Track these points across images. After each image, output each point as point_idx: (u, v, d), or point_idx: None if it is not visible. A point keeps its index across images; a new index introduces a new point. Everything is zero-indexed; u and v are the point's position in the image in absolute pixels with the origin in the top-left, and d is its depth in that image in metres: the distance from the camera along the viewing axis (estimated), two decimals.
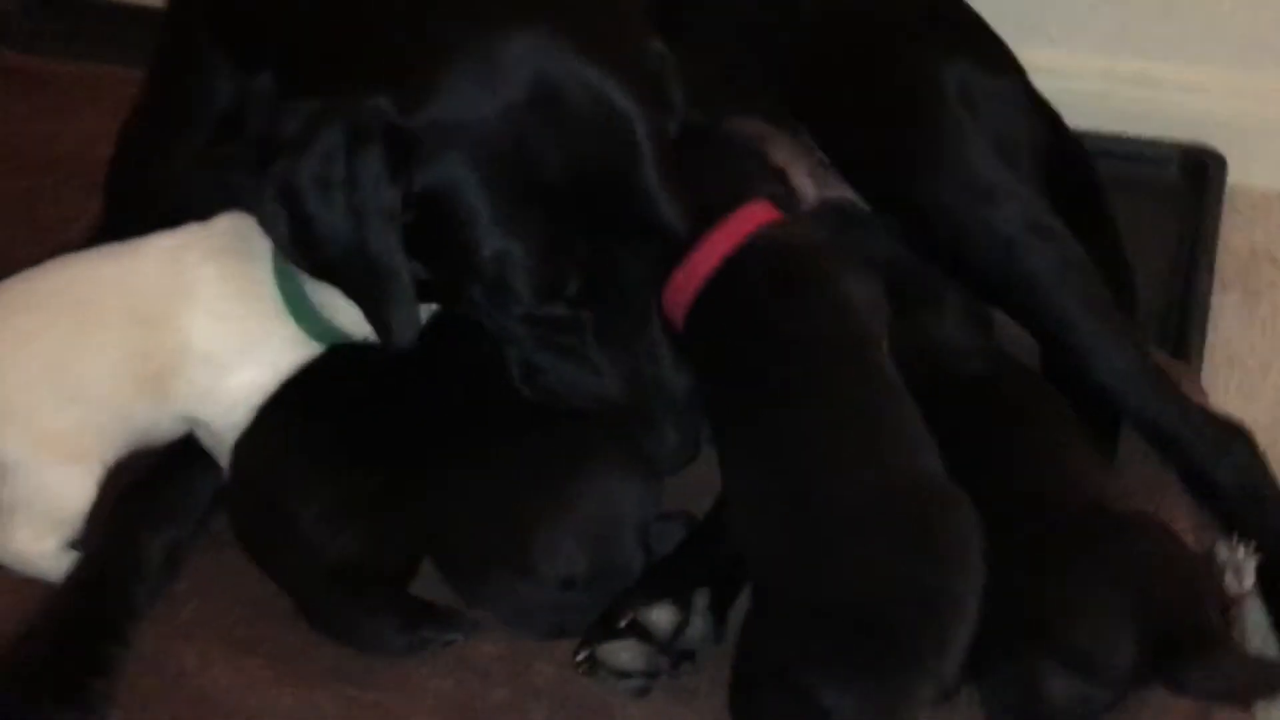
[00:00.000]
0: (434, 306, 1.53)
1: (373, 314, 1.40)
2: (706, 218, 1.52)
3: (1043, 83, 1.90)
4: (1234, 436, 1.60)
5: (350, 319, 1.50)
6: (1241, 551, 1.42)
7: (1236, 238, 2.11)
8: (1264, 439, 1.76)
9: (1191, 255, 2.00)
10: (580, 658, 1.43)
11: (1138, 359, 1.60)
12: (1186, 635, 1.32)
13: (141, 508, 1.54)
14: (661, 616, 1.43)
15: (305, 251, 1.40)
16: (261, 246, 1.51)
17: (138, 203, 1.69)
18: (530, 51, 1.32)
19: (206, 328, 1.52)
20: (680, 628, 1.43)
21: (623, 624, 1.43)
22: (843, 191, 1.71)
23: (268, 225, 1.40)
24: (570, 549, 1.43)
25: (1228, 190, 2.13)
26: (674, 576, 1.48)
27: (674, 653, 1.44)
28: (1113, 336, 1.59)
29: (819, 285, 1.53)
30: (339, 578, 1.44)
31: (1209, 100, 2.19)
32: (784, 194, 1.65)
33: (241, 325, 1.53)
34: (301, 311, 1.53)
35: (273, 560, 1.48)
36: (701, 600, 1.45)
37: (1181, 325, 1.89)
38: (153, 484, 1.56)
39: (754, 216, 1.56)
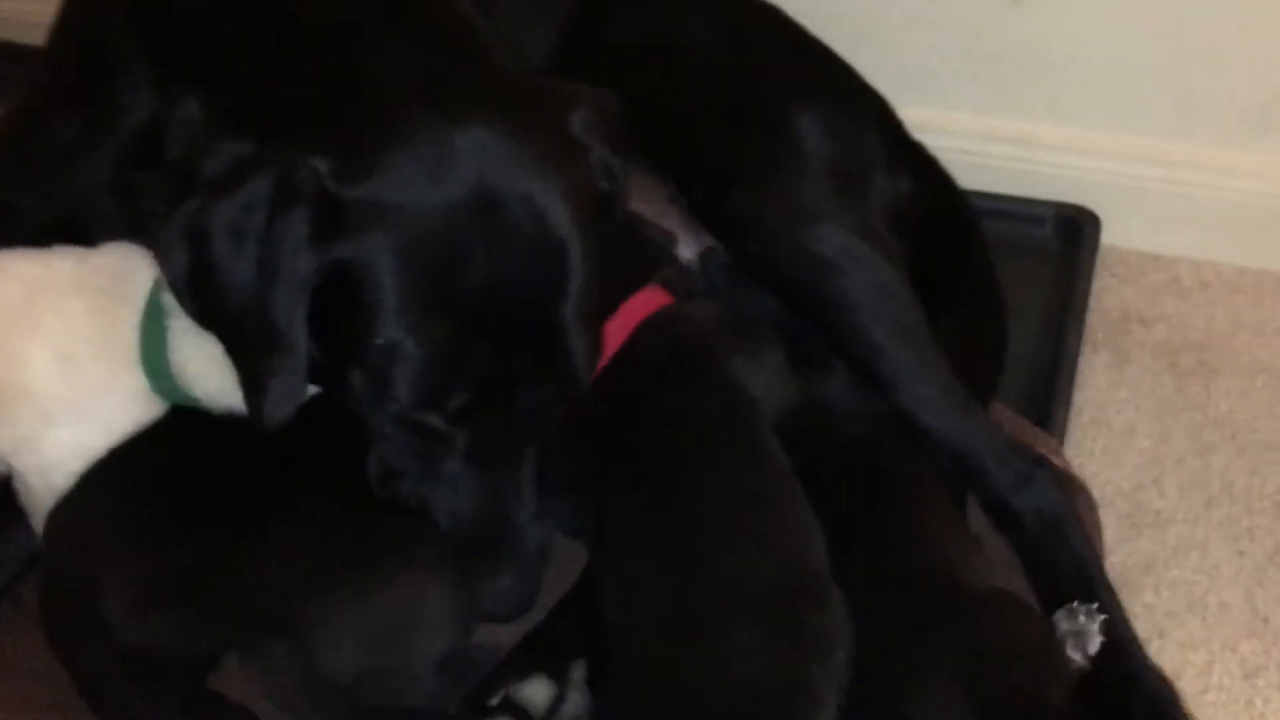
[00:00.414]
0: (313, 389, 1.44)
1: (249, 379, 1.31)
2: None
3: (923, 140, 1.92)
4: (1036, 467, 1.59)
5: (210, 387, 1.43)
6: (1082, 618, 1.43)
7: (1108, 298, 2.13)
8: (1128, 503, 1.81)
9: (1062, 315, 2.02)
10: None
11: (943, 384, 1.59)
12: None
13: None
14: (536, 692, 1.39)
15: (198, 297, 1.32)
16: (136, 291, 1.44)
17: (24, 212, 1.62)
18: (483, 152, 1.27)
19: (46, 366, 1.43)
20: (556, 703, 1.39)
21: (493, 702, 1.39)
22: (709, 242, 1.72)
23: (165, 261, 1.32)
24: (350, 643, 1.35)
25: (1101, 250, 2.16)
26: (547, 649, 1.44)
27: None
28: (917, 360, 1.59)
29: (709, 369, 1.54)
30: (132, 664, 1.36)
31: (1085, 160, 2.22)
32: (675, 274, 1.66)
33: (86, 372, 1.44)
34: (158, 369, 1.45)
35: (66, 638, 1.40)
36: (579, 673, 1.41)
37: (1049, 385, 1.90)
38: None
39: (645, 304, 1.57)
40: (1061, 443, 1.82)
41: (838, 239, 1.62)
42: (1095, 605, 1.45)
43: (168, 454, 1.47)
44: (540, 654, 1.44)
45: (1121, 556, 1.74)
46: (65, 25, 1.65)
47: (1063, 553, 1.55)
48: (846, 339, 1.61)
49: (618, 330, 1.52)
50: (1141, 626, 1.62)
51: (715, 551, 1.37)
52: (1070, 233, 2.19)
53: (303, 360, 1.29)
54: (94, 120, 1.57)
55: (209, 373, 1.42)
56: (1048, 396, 1.89)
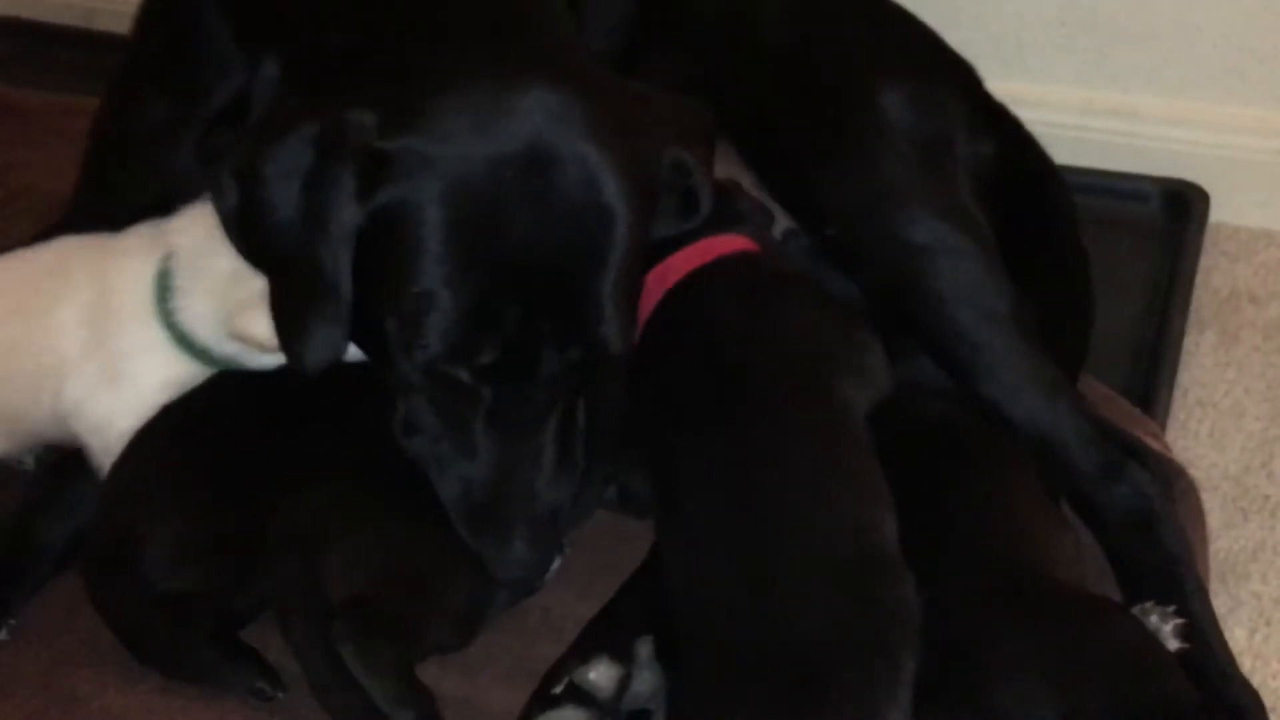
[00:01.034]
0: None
1: (292, 322, 1.33)
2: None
3: (1019, 114, 1.86)
4: (1129, 459, 1.51)
5: (208, 335, 1.48)
6: (1154, 618, 1.34)
7: (1217, 276, 2.04)
8: (1235, 487, 1.72)
9: (1168, 294, 1.94)
10: None
11: (1028, 371, 1.51)
12: None
13: (45, 494, 1.54)
14: (600, 675, 1.35)
15: (247, 236, 1.35)
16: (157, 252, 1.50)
17: (123, 191, 1.66)
18: (538, 110, 1.26)
19: (77, 330, 1.50)
20: (624, 684, 1.35)
21: (558, 690, 1.35)
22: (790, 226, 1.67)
23: (217, 196, 1.34)
24: (362, 570, 1.36)
25: (1210, 227, 2.08)
26: (610, 629, 1.40)
27: (622, 713, 1.35)
28: (1003, 347, 1.51)
29: (788, 308, 1.49)
30: (165, 609, 1.40)
31: (1192, 134, 2.13)
32: (764, 231, 1.61)
33: (110, 332, 1.50)
34: (168, 318, 1.49)
35: (106, 587, 1.43)
36: (645, 650, 1.36)
37: (1152, 365, 1.83)
38: (60, 474, 1.56)
39: (729, 243, 1.53)
40: (1164, 425, 1.75)
41: (925, 223, 1.56)
42: (1172, 609, 1.35)
43: (214, 413, 1.51)
44: (604, 635, 1.39)
45: (1227, 543, 1.66)
46: (150, 5, 1.69)
47: (1151, 551, 1.47)
48: (929, 326, 1.55)
49: (696, 254, 1.48)
50: (1247, 614, 1.55)
51: (788, 516, 1.31)
52: (1177, 209, 2.10)
53: (346, 308, 1.30)
54: (185, 95, 1.61)
55: (206, 320, 1.48)
56: (1151, 377, 1.81)
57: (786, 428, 1.39)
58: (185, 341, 1.50)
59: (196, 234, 1.49)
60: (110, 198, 1.68)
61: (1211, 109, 2.12)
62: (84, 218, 1.65)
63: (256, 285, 1.40)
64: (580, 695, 1.34)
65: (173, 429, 1.48)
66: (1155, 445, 1.63)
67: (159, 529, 1.42)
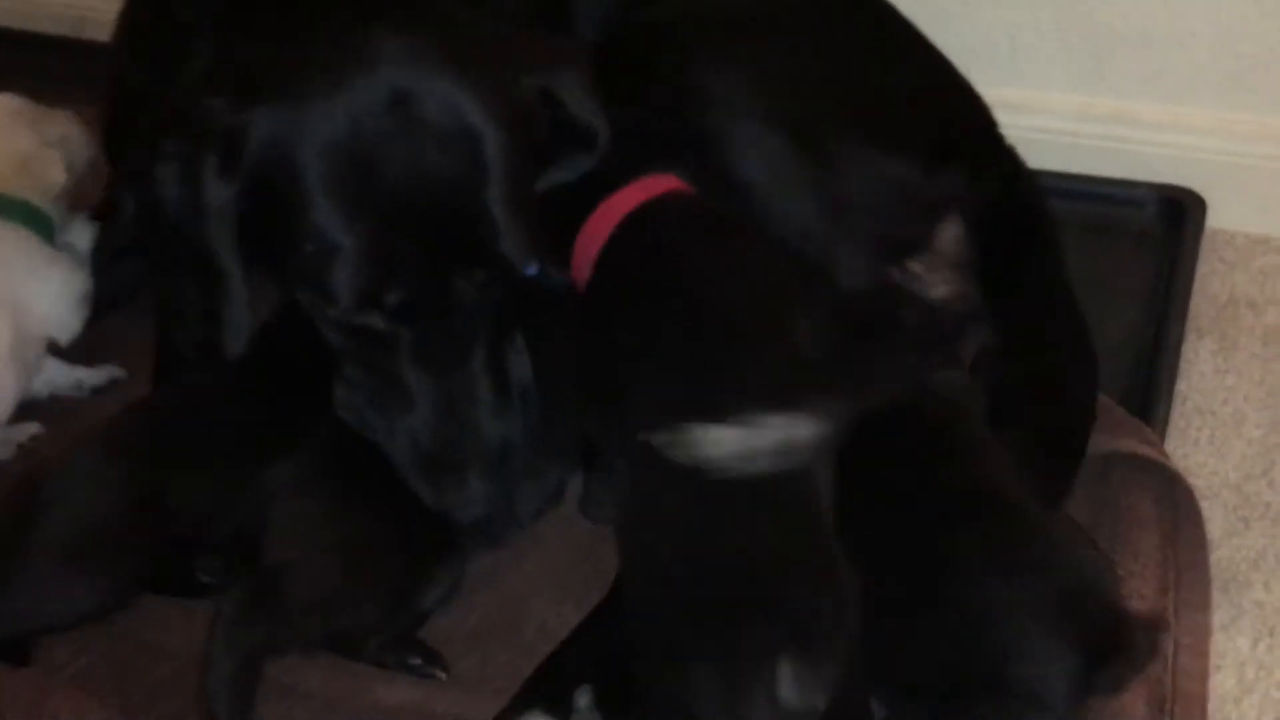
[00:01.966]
0: None
1: (211, 314, 1.38)
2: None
3: (1014, 121, 1.85)
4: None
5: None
6: None
7: (1215, 283, 2.02)
8: (1235, 495, 1.71)
9: (1165, 301, 1.92)
10: None
11: (815, 216, 1.52)
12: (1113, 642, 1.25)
13: None
14: None
15: (152, 239, 1.40)
16: None
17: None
18: (387, 54, 1.30)
19: None
20: None
21: None
22: None
23: (121, 206, 1.45)
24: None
25: (1207, 234, 2.06)
26: (550, 680, 1.39)
27: None
28: (791, 196, 1.52)
29: (747, 245, 1.48)
30: None
31: (1188, 140, 2.12)
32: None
33: None
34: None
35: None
36: (584, 699, 1.36)
37: (1150, 373, 1.81)
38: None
39: (669, 182, 1.53)
40: (1163, 433, 1.73)
41: (723, 75, 1.56)
42: None
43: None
44: (543, 687, 1.38)
45: (1229, 551, 1.63)
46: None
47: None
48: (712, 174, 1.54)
49: (648, 186, 1.50)
50: (1250, 623, 1.54)
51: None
52: (1173, 215, 2.08)
53: (243, 290, 1.35)
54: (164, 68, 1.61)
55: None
56: (1149, 385, 1.79)
57: (747, 362, 1.37)
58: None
59: None
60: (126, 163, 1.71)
61: (1208, 115, 2.10)
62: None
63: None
64: None
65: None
66: (1152, 453, 1.62)
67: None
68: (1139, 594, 1.50)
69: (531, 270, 1.38)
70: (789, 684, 1.16)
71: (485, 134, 1.30)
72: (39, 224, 1.83)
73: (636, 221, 1.50)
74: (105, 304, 1.86)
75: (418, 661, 1.46)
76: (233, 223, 1.31)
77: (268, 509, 1.48)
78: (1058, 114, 2.13)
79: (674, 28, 1.65)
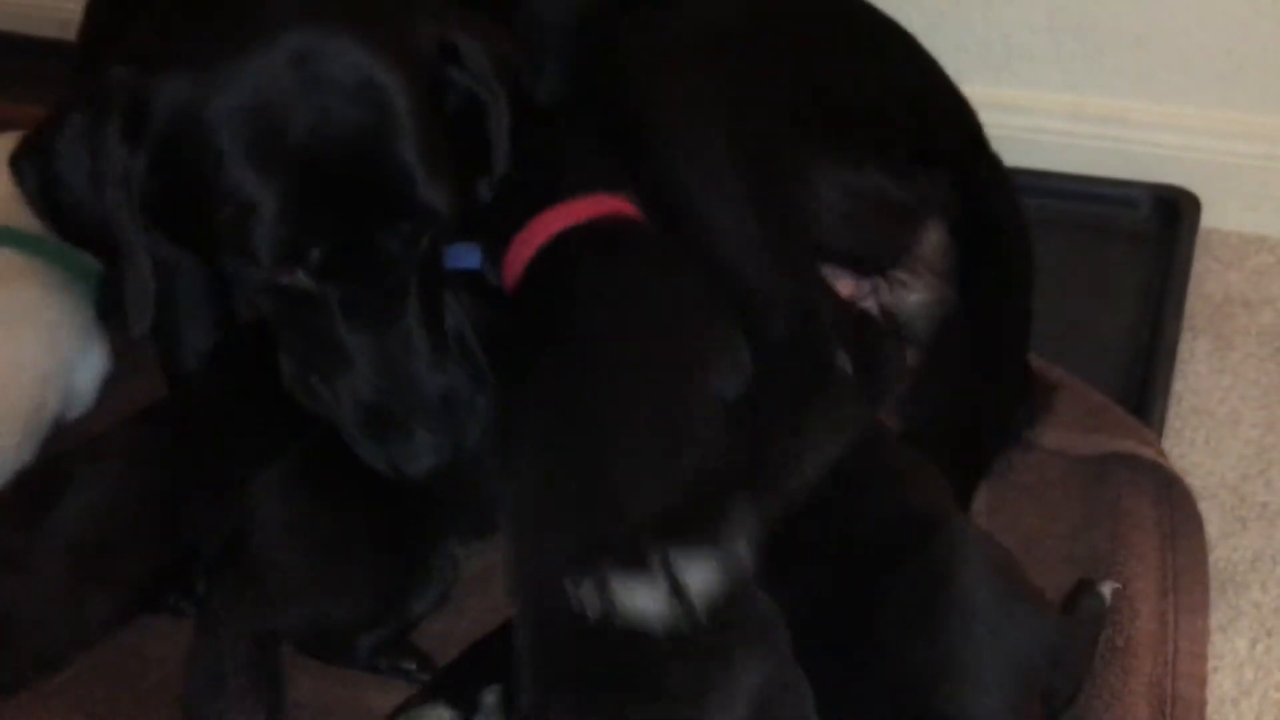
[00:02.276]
0: None
1: (114, 289, 1.42)
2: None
3: (1007, 121, 1.84)
4: (830, 342, 1.45)
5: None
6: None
7: (1210, 282, 2.01)
8: (1232, 495, 1.70)
9: (1160, 301, 1.91)
10: None
11: (748, 233, 1.47)
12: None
13: None
14: (436, 718, 1.34)
15: (54, 215, 1.41)
16: None
17: None
18: (287, 21, 1.32)
19: None
20: None
21: None
22: None
23: (19, 181, 1.40)
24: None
25: (1202, 233, 2.05)
26: (460, 675, 1.39)
27: None
28: (719, 204, 1.48)
29: (649, 276, 1.48)
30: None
31: (1182, 139, 2.11)
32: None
33: None
34: None
35: None
36: (491, 698, 1.35)
37: (1146, 373, 1.80)
38: None
39: (603, 204, 1.53)
40: (1160, 433, 1.72)
41: (672, 87, 1.53)
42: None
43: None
44: (452, 681, 1.38)
45: (1226, 552, 1.62)
46: None
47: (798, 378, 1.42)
48: (648, 181, 1.53)
49: (571, 211, 1.51)
50: (1248, 624, 1.53)
51: (627, 495, 1.29)
52: (1167, 215, 2.08)
53: (145, 261, 1.35)
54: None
55: None
56: (1145, 385, 1.78)
57: (625, 400, 1.36)
58: None
59: None
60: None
61: (1202, 114, 2.09)
62: None
63: None
64: None
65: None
66: (1150, 454, 1.62)
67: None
68: (1140, 596, 1.49)
69: (472, 264, 1.44)
70: None
71: (388, 85, 1.33)
72: (80, 268, 1.73)
73: (551, 250, 1.50)
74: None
75: (411, 666, 1.45)
76: (134, 193, 1.33)
77: (252, 507, 1.48)
78: (1051, 113, 2.12)
79: (643, 33, 1.63)
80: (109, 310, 1.75)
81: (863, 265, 1.66)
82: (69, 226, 1.42)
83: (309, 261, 1.33)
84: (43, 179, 1.38)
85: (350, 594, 1.43)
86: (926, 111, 1.76)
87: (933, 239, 1.70)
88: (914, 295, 1.70)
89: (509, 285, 1.53)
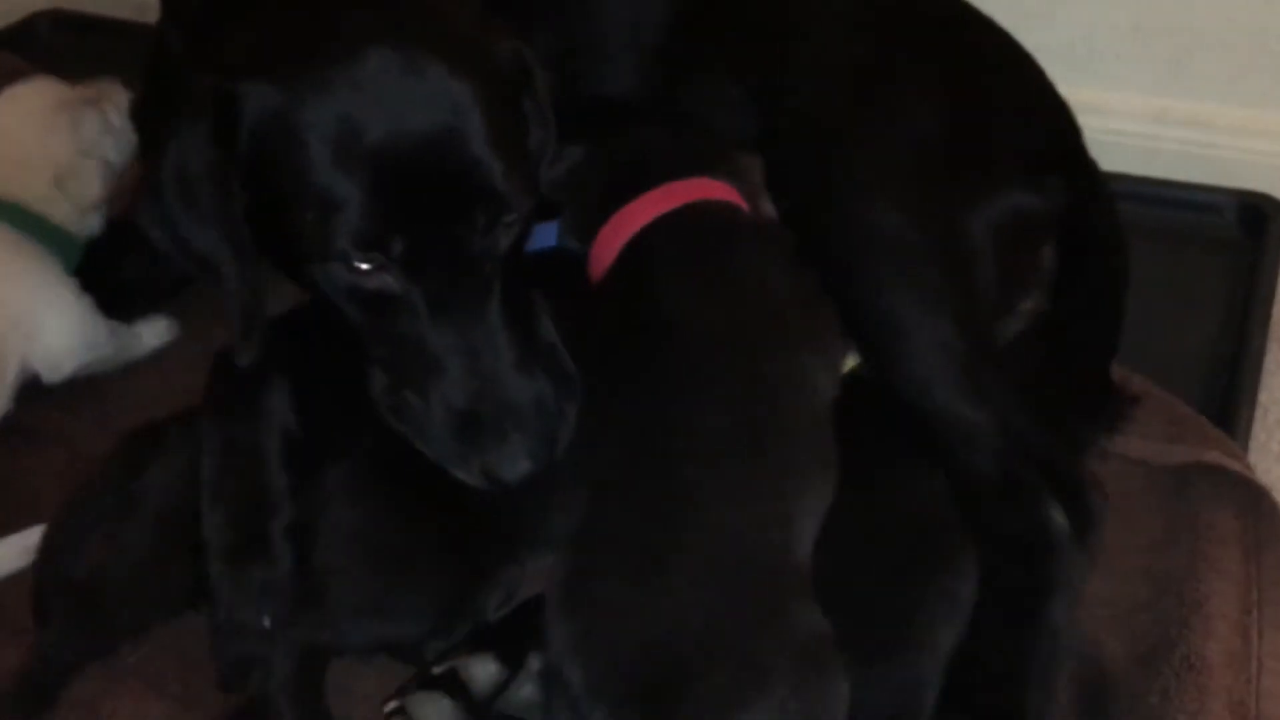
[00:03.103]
0: None
1: (229, 314, 1.43)
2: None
3: (1088, 123, 1.80)
4: (1044, 493, 1.40)
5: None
6: None
7: None
8: None
9: (1245, 309, 1.88)
10: (389, 709, 1.33)
11: (957, 360, 1.45)
12: None
13: None
14: (481, 670, 1.34)
15: (176, 245, 1.44)
16: None
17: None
18: (371, 35, 1.36)
19: None
20: (502, 687, 1.34)
21: (439, 670, 1.35)
22: None
23: (144, 222, 1.44)
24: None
25: None
26: (512, 632, 1.39)
27: (492, 715, 1.34)
28: (932, 329, 1.46)
29: (742, 265, 1.46)
30: None
31: (1268, 145, 2.08)
32: (750, 182, 1.58)
33: None
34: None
35: None
36: (537, 663, 1.35)
37: (1231, 383, 1.77)
38: None
39: (699, 188, 1.51)
40: (1245, 445, 1.69)
41: (885, 215, 1.51)
42: None
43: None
44: (504, 636, 1.38)
45: None
46: None
47: (1025, 584, 1.37)
48: (857, 306, 1.50)
49: (648, 206, 1.50)
50: None
51: (691, 498, 1.27)
52: (1253, 221, 2.05)
53: (239, 280, 1.40)
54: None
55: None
56: (1229, 395, 1.76)
57: (707, 398, 1.34)
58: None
59: None
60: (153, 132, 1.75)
61: None
62: None
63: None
64: (456, 684, 1.34)
65: None
66: (1235, 466, 1.58)
67: None
68: (1217, 613, 1.46)
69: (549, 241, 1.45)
70: None
71: (464, 89, 1.37)
72: (61, 244, 1.81)
73: (642, 238, 1.49)
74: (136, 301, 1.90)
75: None
76: (232, 196, 1.37)
77: (317, 515, 1.46)
78: (1135, 117, 2.10)
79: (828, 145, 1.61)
80: (96, 287, 1.81)
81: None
82: (187, 256, 1.44)
83: (393, 253, 1.35)
84: (158, 214, 1.42)
85: (414, 611, 1.41)
86: (1045, 115, 1.74)
87: (1046, 249, 1.68)
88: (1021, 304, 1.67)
89: (596, 275, 1.53)
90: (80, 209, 1.83)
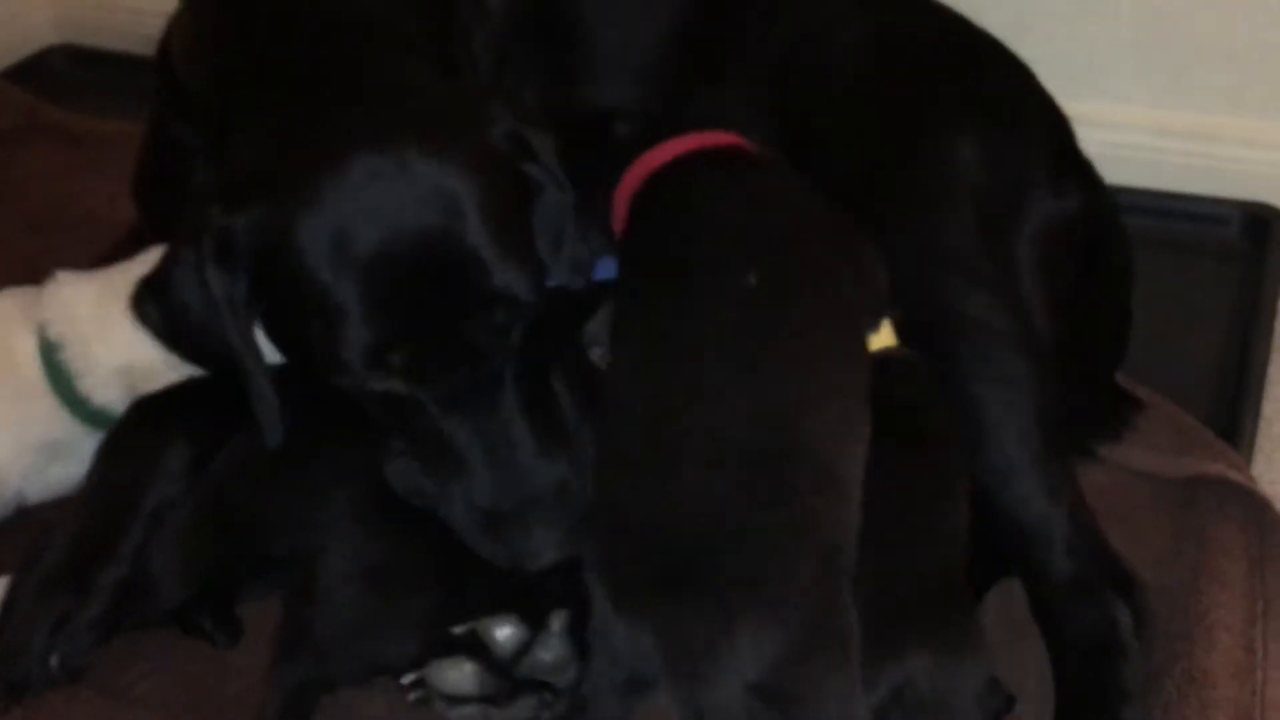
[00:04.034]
0: None
1: (248, 406, 1.45)
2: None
3: (1090, 136, 1.80)
4: (1110, 582, 1.42)
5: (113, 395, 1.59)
6: None
7: None
8: None
9: (1249, 320, 1.88)
10: (408, 681, 1.33)
11: (1035, 458, 1.46)
12: None
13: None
14: (503, 633, 1.33)
15: (181, 344, 1.48)
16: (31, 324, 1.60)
17: (161, 208, 1.76)
18: (358, 141, 1.35)
19: None
20: (524, 648, 1.34)
21: (459, 631, 1.35)
22: None
23: (142, 319, 1.47)
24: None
25: None
26: (533, 594, 1.39)
27: (516, 678, 1.33)
28: (1015, 427, 1.47)
29: (770, 187, 1.47)
30: None
31: (1271, 156, 2.07)
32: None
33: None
34: (72, 398, 1.59)
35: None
36: (559, 622, 1.35)
37: (1235, 395, 1.77)
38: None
39: (717, 137, 1.52)
40: (1249, 458, 1.69)
41: (970, 295, 1.52)
42: None
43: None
44: (525, 598, 1.38)
45: None
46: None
47: (1099, 687, 1.39)
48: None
49: (670, 149, 1.51)
50: None
51: (708, 388, 1.28)
52: (1257, 232, 2.05)
53: (264, 382, 1.41)
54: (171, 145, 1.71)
55: (112, 393, 1.59)
56: (1234, 407, 1.76)
57: (729, 298, 1.35)
58: (89, 414, 1.60)
59: (77, 308, 1.62)
60: (153, 219, 1.78)
61: None
62: (138, 239, 1.76)
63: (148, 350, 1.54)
64: (478, 647, 1.33)
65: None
66: (1240, 478, 1.58)
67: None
68: (1219, 625, 1.46)
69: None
70: (748, 657, 1.13)
71: (455, 183, 1.35)
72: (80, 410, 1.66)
73: (666, 170, 1.50)
74: None
75: None
76: (242, 316, 1.38)
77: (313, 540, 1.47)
78: (1137, 129, 2.10)
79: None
80: None
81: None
82: (194, 352, 1.48)
83: (393, 365, 1.35)
84: (164, 312, 1.44)
85: (402, 632, 1.41)
86: (1050, 129, 1.75)
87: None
88: None
89: (617, 228, 1.53)
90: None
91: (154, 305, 1.45)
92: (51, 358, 1.59)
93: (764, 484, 1.21)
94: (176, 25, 1.69)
